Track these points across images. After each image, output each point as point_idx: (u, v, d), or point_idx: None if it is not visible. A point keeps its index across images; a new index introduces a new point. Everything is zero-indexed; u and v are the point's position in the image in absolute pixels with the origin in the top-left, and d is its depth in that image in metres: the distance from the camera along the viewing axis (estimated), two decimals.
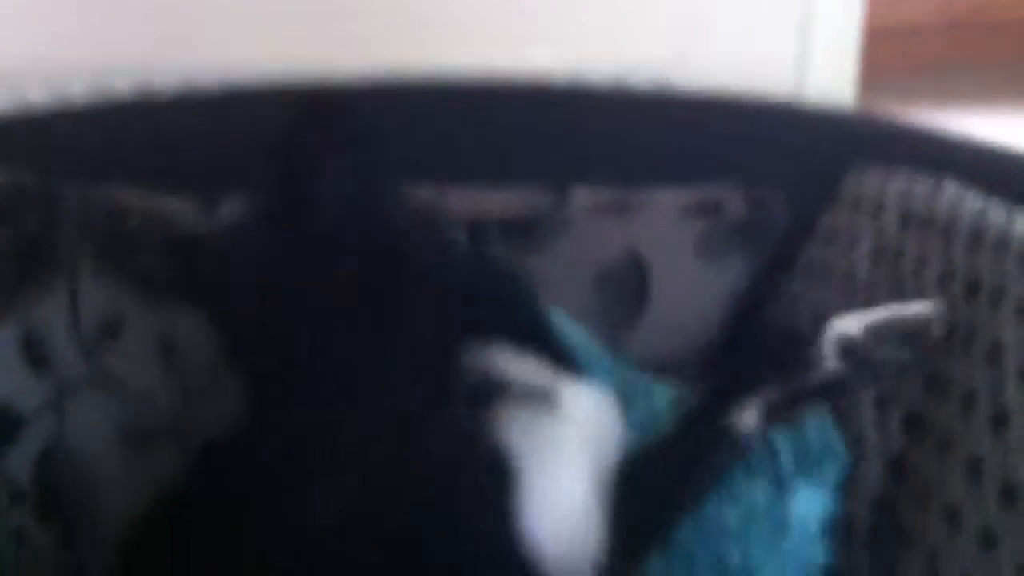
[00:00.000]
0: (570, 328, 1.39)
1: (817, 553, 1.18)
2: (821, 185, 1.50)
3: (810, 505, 1.19)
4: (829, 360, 1.16)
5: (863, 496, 1.21)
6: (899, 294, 1.26)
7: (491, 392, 1.10)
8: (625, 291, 1.51)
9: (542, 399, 1.13)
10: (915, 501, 1.14)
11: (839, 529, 1.21)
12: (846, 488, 1.22)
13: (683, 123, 1.64)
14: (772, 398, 1.16)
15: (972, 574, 1.05)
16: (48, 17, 1.85)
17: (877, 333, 1.15)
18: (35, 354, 1.22)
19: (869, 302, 1.25)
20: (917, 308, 1.16)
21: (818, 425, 1.24)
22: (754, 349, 1.48)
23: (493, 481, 1.06)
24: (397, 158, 1.54)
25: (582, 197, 1.56)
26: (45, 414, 1.20)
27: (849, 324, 1.16)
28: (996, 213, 1.20)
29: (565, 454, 1.10)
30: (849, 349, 1.15)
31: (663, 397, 1.37)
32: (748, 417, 1.16)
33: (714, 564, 1.19)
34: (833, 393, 1.20)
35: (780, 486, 1.20)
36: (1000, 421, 1.07)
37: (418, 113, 1.62)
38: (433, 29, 1.90)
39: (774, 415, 1.17)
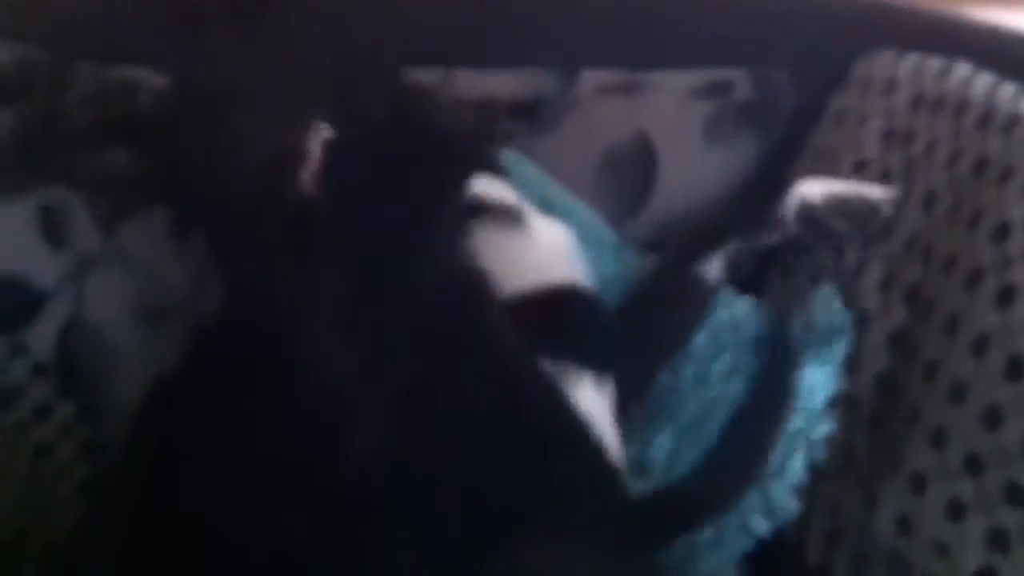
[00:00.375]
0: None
1: (823, 428, 1.19)
2: (831, 68, 1.49)
3: (817, 381, 1.20)
4: (789, 223, 1.30)
5: (867, 373, 1.22)
6: (908, 175, 1.28)
7: (474, 210, 1.20)
8: (633, 172, 1.51)
9: (514, 219, 1.23)
10: (919, 378, 1.14)
11: (843, 405, 1.21)
12: (851, 365, 1.23)
13: (692, 6, 1.61)
14: (734, 254, 1.31)
15: (977, 450, 1.05)
16: None
17: (834, 204, 1.26)
18: (53, 231, 1.23)
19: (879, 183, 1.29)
20: (875, 191, 1.26)
21: (826, 303, 1.24)
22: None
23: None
24: (404, 40, 1.57)
25: (590, 79, 1.54)
26: (65, 289, 1.22)
27: (812, 190, 1.27)
28: (1006, 94, 1.20)
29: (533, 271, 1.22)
30: (808, 215, 1.27)
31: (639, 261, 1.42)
32: (713, 270, 1.30)
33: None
34: (791, 253, 1.32)
35: (789, 362, 1.21)
36: (1006, 298, 1.07)
37: None
38: None
39: (735, 269, 1.31)
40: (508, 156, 1.44)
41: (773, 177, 1.50)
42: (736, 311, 1.29)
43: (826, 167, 1.41)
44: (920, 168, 1.26)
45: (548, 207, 1.36)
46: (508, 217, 1.22)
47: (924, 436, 1.11)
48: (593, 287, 1.25)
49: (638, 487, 1.18)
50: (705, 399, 1.24)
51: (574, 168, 1.49)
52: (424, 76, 1.52)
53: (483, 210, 1.21)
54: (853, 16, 1.57)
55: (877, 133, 1.35)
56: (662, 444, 1.22)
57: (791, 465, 1.17)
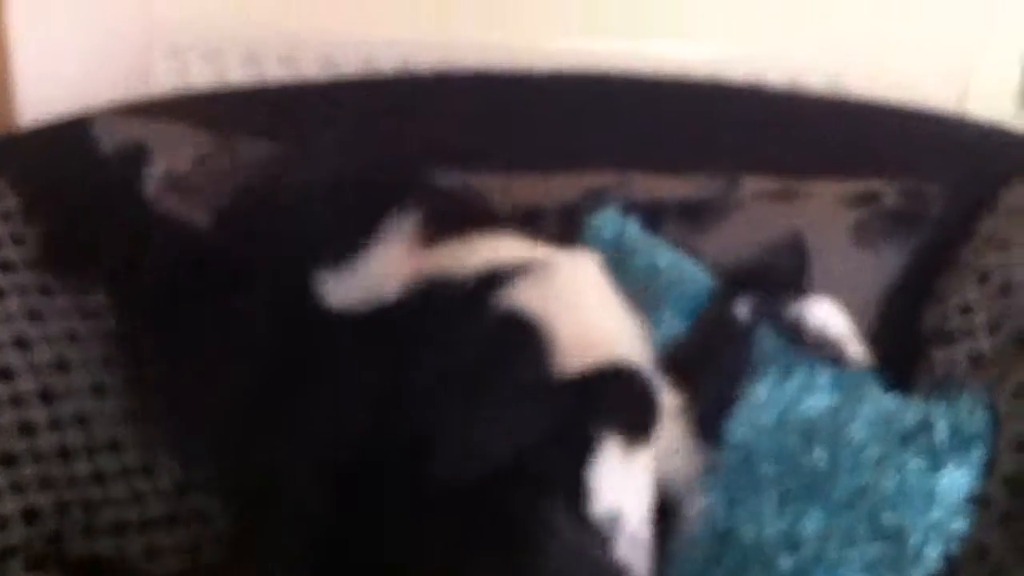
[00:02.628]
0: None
1: (960, 525, 1.28)
2: (979, 193, 1.59)
3: (958, 481, 1.29)
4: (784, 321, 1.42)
5: (997, 474, 1.30)
6: None
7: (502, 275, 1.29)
8: (786, 267, 1.59)
9: (540, 267, 1.30)
10: None
11: (978, 504, 1.30)
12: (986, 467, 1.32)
13: (850, 125, 1.75)
14: (758, 300, 1.42)
15: None
16: None
17: (817, 336, 1.40)
18: None
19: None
20: (858, 351, 1.40)
21: (972, 407, 1.34)
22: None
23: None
24: (585, 148, 1.71)
25: (751, 185, 1.67)
26: None
27: (819, 312, 1.40)
28: None
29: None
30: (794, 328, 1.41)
31: None
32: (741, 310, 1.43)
33: (868, 523, 1.29)
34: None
35: (935, 461, 1.31)
36: None
37: (609, 104, 1.78)
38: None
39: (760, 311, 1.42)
40: (608, 214, 1.58)
41: (917, 283, 1.60)
42: (887, 404, 1.39)
43: (972, 286, 1.50)
44: None
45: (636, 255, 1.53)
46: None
47: None
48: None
49: (786, 563, 1.28)
50: (857, 483, 1.32)
51: (732, 264, 1.57)
52: (602, 180, 1.67)
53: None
54: (1003, 143, 1.69)
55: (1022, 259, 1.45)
56: (815, 521, 1.31)
57: (928, 555, 1.26)
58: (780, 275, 1.51)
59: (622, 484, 1.11)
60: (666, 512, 1.25)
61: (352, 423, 1.24)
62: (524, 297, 1.28)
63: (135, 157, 1.63)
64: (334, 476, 1.23)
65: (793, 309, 1.41)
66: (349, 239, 1.36)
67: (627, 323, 1.36)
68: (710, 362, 1.42)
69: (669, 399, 1.31)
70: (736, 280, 1.47)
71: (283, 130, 1.72)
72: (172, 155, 1.64)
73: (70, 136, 1.71)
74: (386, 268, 1.35)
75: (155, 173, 1.59)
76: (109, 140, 1.67)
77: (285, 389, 1.30)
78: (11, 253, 1.44)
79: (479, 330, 1.26)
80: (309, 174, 1.48)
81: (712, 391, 1.38)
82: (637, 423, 1.15)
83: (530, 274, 1.31)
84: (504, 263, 1.32)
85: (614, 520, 1.09)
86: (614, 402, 1.15)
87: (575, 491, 1.10)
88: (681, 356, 1.41)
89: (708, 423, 1.36)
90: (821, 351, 1.41)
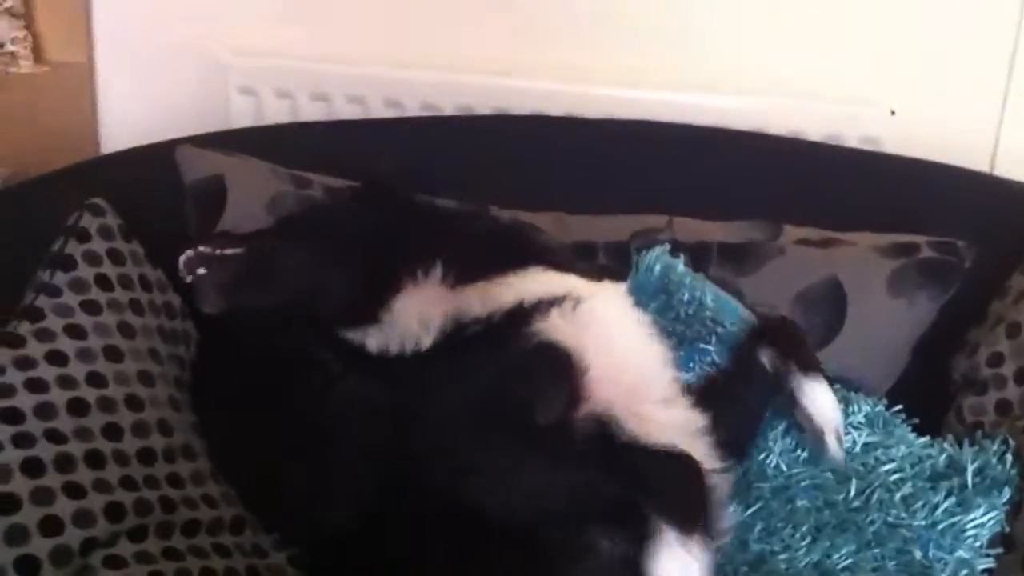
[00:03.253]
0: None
1: (985, 564, 1.35)
2: (1009, 249, 1.65)
3: (985, 521, 1.35)
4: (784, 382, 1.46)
5: (1023, 518, 1.37)
6: None
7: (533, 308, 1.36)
8: (823, 312, 1.65)
9: (569, 299, 1.38)
10: None
11: (1003, 545, 1.36)
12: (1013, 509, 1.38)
13: (888, 181, 1.81)
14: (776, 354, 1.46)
15: None
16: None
17: (804, 411, 1.42)
18: None
19: None
20: (834, 446, 1.41)
21: (1000, 452, 1.41)
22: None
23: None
24: (632, 191, 1.77)
25: (793, 232, 1.73)
26: None
27: (813, 395, 1.42)
28: None
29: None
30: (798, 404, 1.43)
31: None
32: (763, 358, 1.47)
33: (898, 558, 1.36)
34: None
35: (964, 502, 1.37)
36: None
37: (656, 151, 1.85)
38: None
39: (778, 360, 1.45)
40: (657, 252, 1.63)
41: (947, 332, 1.66)
42: (918, 445, 1.47)
43: (1002, 338, 1.56)
44: None
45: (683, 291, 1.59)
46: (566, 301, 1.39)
47: None
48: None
49: None
50: (889, 520, 1.39)
51: (770, 306, 1.63)
52: (650, 222, 1.74)
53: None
54: None
55: None
56: (846, 554, 1.37)
57: None
58: (803, 331, 1.55)
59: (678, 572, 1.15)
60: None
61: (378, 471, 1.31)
62: (555, 329, 1.35)
63: (213, 191, 1.71)
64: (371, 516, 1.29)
65: (793, 380, 1.43)
66: (373, 292, 1.43)
67: (654, 350, 1.44)
68: (733, 396, 1.47)
69: (696, 419, 1.38)
70: (764, 328, 1.52)
71: (351, 165, 1.80)
72: (247, 190, 1.73)
73: (154, 162, 1.78)
74: (414, 314, 1.41)
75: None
76: (190, 170, 1.74)
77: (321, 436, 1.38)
78: (109, 270, 1.49)
79: (512, 362, 1.33)
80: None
81: (732, 422, 1.43)
82: (693, 514, 1.18)
83: (560, 307, 1.38)
84: (534, 297, 1.38)
85: None
86: (673, 493, 1.18)
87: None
88: (709, 386, 1.48)
89: (730, 446, 1.41)
90: (806, 431, 1.44)
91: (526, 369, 1.32)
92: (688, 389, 1.42)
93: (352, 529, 1.30)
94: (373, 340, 1.41)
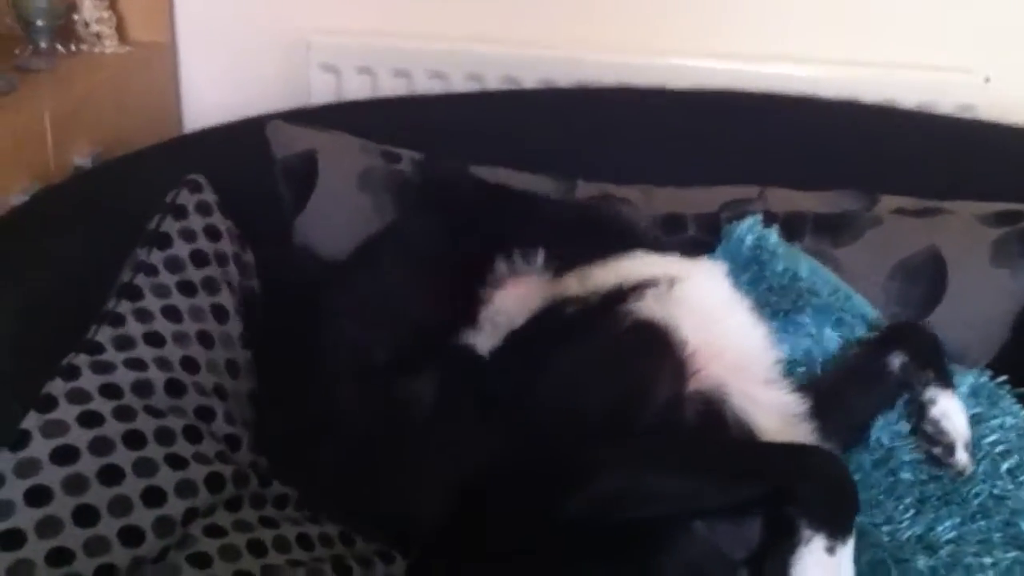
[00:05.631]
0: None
1: None
2: None
3: None
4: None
5: None
6: None
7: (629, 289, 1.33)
8: (923, 282, 1.61)
9: (667, 282, 1.34)
10: None
11: None
12: None
13: (986, 148, 1.76)
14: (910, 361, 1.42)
15: None
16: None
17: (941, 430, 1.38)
18: None
19: None
20: (962, 457, 1.36)
21: None
22: None
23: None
24: (724, 165, 1.72)
25: (889, 202, 1.68)
26: None
27: (946, 406, 1.38)
28: None
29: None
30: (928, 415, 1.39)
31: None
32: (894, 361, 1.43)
33: (1004, 531, 1.30)
34: None
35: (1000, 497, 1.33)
36: None
37: (746, 121, 1.81)
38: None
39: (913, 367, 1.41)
40: (750, 223, 1.60)
41: None
42: (1021, 419, 1.41)
43: None
44: None
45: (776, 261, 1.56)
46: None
47: None
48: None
49: (923, 564, 1.28)
50: (994, 492, 1.34)
51: (868, 275, 1.61)
52: (740, 192, 1.70)
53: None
54: None
55: None
56: (951, 526, 1.33)
57: None
58: (939, 340, 1.47)
59: None
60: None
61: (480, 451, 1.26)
62: (649, 308, 1.31)
63: (305, 166, 1.71)
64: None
65: (927, 392, 1.39)
66: (470, 295, 1.41)
67: (755, 330, 1.40)
68: (844, 393, 1.43)
69: (797, 403, 1.34)
70: (898, 332, 1.47)
71: (432, 140, 1.79)
72: (338, 165, 1.72)
73: (242, 138, 1.78)
74: (518, 306, 1.39)
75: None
76: (282, 146, 1.73)
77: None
78: (205, 246, 1.49)
79: (609, 340, 1.29)
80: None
81: (840, 412, 1.40)
82: (841, 518, 1.11)
83: (656, 288, 1.33)
84: (633, 280, 1.35)
85: None
86: (817, 492, 1.11)
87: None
88: (830, 379, 1.45)
89: (839, 436, 1.37)
90: (930, 441, 1.39)
91: (624, 349, 1.28)
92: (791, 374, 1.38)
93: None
94: (480, 340, 1.37)
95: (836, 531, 1.09)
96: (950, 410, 1.39)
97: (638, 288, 1.33)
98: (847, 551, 1.10)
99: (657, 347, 1.26)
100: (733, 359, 1.31)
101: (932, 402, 1.39)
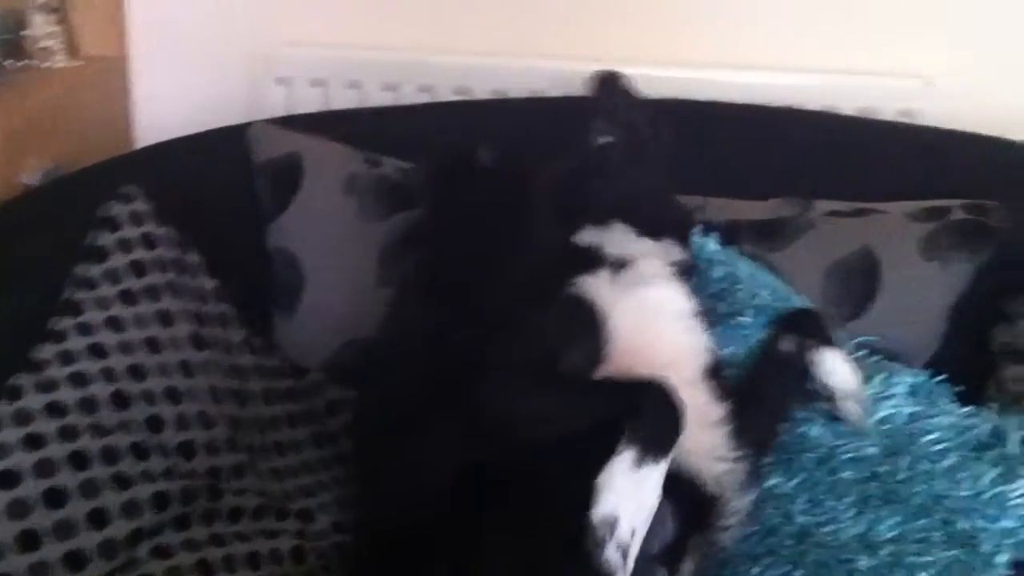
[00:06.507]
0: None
1: None
2: None
3: None
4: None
5: None
6: None
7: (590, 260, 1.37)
8: (858, 281, 1.62)
9: (622, 263, 1.37)
10: None
11: None
12: None
13: (924, 152, 1.75)
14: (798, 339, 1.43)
15: None
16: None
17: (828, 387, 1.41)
18: None
19: None
20: (850, 408, 1.40)
21: None
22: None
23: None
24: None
25: (823, 206, 1.68)
26: None
27: (831, 363, 1.41)
28: None
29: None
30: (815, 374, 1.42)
31: None
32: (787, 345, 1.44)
33: (943, 529, 1.29)
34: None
35: (1007, 472, 1.31)
36: None
37: (689, 130, 1.76)
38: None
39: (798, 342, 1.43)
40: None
41: (984, 301, 1.60)
42: (961, 415, 1.40)
43: None
44: None
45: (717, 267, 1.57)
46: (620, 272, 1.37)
47: None
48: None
49: (865, 564, 1.27)
50: (934, 491, 1.33)
51: (804, 278, 1.60)
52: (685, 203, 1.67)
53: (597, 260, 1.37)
54: None
55: None
56: (892, 525, 1.32)
57: (998, 562, 1.25)
58: (826, 315, 1.49)
59: (626, 493, 1.12)
60: (710, 508, 1.28)
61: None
62: (595, 288, 1.34)
63: (289, 168, 1.71)
64: None
65: (808, 355, 1.41)
66: None
67: (690, 334, 1.39)
68: (758, 387, 1.44)
69: (717, 409, 1.34)
70: (784, 318, 1.48)
71: (391, 152, 1.78)
72: (324, 168, 1.72)
73: (194, 152, 1.77)
74: None
75: None
76: (264, 149, 1.73)
77: None
78: (143, 255, 1.47)
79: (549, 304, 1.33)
80: None
81: (758, 410, 1.40)
82: (657, 441, 1.15)
83: (615, 270, 1.37)
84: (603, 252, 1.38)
85: (609, 525, 1.11)
86: (641, 417, 1.16)
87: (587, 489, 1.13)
88: (737, 378, 1.45)
89: (756, 435, 1.38)
90: (822, 399, 1.42)
91: (557, 315, 1.32)
92: (716, 376, 1.37)
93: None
94: None
95: (647, 449, 1.14)
96: (833, 367, 1.41)
97: (599, 262, 1.37)
98: (655, 470, 1.14)
99: (580, 325, 1.30)
100: (657, 357, 1.32)
101: (816, 363, 1.40)
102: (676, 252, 1.47)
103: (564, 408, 1.23)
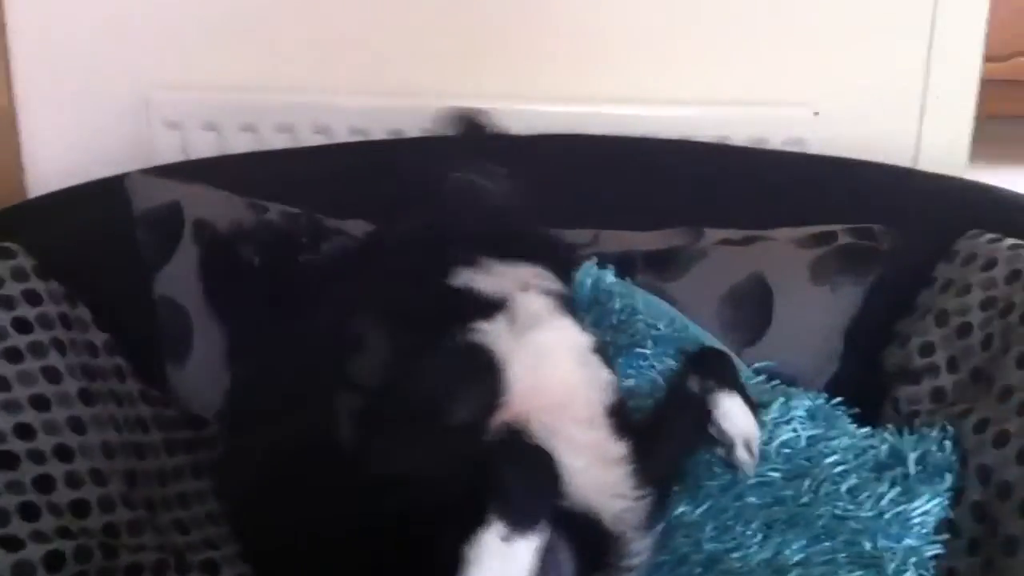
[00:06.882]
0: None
1: (932, 549, 1.30)
2: (934, 241, 1.62)
3: (930, 508, 1.31)
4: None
5: (966, 505, 1.33)
6: (1005, 339, 1.41)
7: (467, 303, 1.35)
8: (751, 308, 1.63)
9: (501, 304, 1.35)
10: (1012, 513, 1.27)
11: (949, 532, 1.32)
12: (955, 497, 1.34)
13: (813, 180, 1.78)
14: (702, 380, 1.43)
15: None
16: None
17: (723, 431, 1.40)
18: None
19: (984, 346, 1.45)
20: (741, 455, 1.39)
21: (940, 441, 1.37)
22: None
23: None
24: (558, 208, 1.70)
25: (714, 234, 1.69)
26: None
27: (726, 408, 1.40)
28: None
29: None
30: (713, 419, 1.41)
31: None
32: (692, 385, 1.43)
33: (848, 549, 1.30)
34: None
35: (908, 491, 1.33)
36: None
37: (580, 164, 1.81)
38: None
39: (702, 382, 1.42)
40: (587, 267, 1.60)
41: (875, 323, 1.63)
42: (859, 436, 1.42)
43: (932, 327, 1.54)
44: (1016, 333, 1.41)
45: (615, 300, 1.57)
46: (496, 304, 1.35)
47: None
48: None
49: None
50: (837, 512, 1.33)
51: (699, 306, 1.61)
52: (575, 237, 1.68)
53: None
54: (955, 195, 1.74)
55: (977, 301, 1.49)
56: (798, 549, 1.32)
57: None
58: (730, 356, 1.50)
59: (495, 569, 1.07)
60: (610, 547, 1.26)
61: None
62: (494, 335, 1.31)
63: (170, 217, 1.66)
64: None
65: (709, 397, 1.41)
66: None
67: (589, 373, 1.38)
68: (662, 424, 1.42)
69: (616, 447, 1.32)
70: (691, 357, 1.48)
71: (282, 196, 1.75)
72: (207, 216, 1.67)
73: (96, 198, 1.73)
74: None
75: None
76: (144, 198, 1.68)
77: None
78: (27, 312, 1.43)
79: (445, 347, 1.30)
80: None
81: (661, 447, 1.39)
82: (525, 514, 1.10)
83: (512, 314, 1.34)
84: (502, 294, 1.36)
85: None
86: (506, 491, 1.10)
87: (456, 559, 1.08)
88: (641, 411, 1.44)
89: (658, 473, 1.36)
90: (718, 443, 1.41)
91: (451, 365, 1.29)
92: (618, 413, 1.35)
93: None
94: None
95: (516, 523, 1.09)
96: (731, 411, 1.39)
97: (497, 306, 1.34)
98: (526, 545, 1.09)
99: (474, 372, 1.27)
100: (556, 399, 1.30)
101: (714, 405, 1.40)
102: (550, 281, 1.45)
103: (438, 467, 1.17)
